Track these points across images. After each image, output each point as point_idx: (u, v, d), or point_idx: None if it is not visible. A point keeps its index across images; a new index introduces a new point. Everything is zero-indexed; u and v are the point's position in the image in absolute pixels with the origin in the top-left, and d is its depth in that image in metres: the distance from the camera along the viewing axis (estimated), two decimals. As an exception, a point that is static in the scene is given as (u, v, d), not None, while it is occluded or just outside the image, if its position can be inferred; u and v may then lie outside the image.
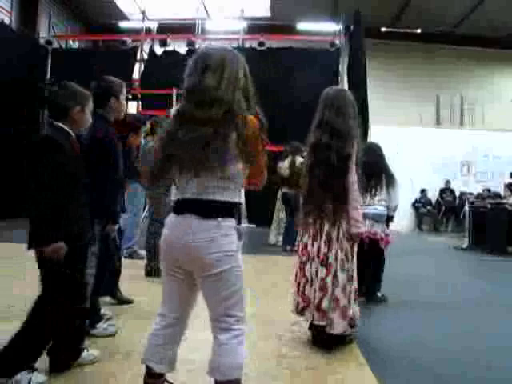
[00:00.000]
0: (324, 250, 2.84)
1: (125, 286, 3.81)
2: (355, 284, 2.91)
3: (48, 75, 12.21)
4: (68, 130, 2.30)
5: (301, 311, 2.97)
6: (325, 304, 2.77)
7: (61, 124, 2.28)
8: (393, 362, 2.71)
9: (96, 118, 2.78)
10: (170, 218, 1.81)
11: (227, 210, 1.74)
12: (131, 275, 4.46)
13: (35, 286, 4.06)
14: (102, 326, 2.95)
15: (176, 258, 1.77)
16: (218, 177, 1.69)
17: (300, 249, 3.02)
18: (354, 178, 2.83)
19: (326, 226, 2.87)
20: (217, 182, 1.71)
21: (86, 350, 2.41)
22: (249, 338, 2.91)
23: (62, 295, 2.19)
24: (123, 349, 2.70)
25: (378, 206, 3.98)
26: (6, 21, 11.83)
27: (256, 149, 1.74)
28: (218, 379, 1.74)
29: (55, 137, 2.21)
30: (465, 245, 8.72)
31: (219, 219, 1.71)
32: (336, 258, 2.82)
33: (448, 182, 13.44)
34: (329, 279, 2.80)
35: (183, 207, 1.76)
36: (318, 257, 2.85)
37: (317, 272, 2.84)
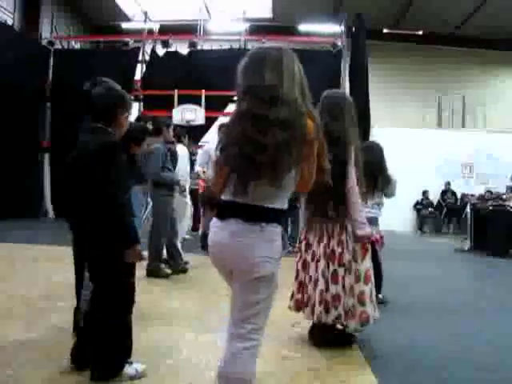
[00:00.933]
0: (339, 250, 2.87)
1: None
2: (370, 285, 2.91)
3: (50, 76, 12.25)
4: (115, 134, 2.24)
5: (298, 308, 3.02)
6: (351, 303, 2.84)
7: (109, 129, 2.21)
8: (394, 363, 2.71)
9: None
10: (215, 223, 1.77)
11: (273, 215, 1.70)
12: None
13: (34, 286, 4.08)
14: None
15: (221, 261, 1.78)
16: (274, 182, 1.64)
17: (303, 248, 3.02)
18: (353, 181, 2.84)
19: (336, 229, 2.90)
20: (270, 187, 1.65)
21: (128, 365, 2.29)
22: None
23: (118, 299, 2.22)
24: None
25: (371, 209, 3.96)
26: (9, 22, 11.87)
27: (313, 152, 1.70)
28: None
29: (118, 143, 2.17)
30: (466, 247, 8.71)
31: (263, 224, 1.67)
32: (347, 259, 2.87)
33: (448, 183, 13.41)
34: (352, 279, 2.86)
35: (228, 211, 1.72)
36: (331, 258, 2.87)
37: (335, 271, 2.86)
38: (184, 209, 5.61)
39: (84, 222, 2.16)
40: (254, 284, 1.68)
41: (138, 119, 9.87)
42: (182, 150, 5.57)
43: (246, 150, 1.63)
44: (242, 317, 1.70)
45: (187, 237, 7.27)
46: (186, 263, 5.24)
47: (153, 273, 4.76)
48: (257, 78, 1.70)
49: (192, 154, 7.55)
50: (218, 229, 1.75)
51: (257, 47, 1.87)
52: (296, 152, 1.62)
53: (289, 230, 7.38)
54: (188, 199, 5.77)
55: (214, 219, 1.78)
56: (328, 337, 2.93)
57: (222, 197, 1.76)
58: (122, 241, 2.09)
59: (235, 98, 1.81)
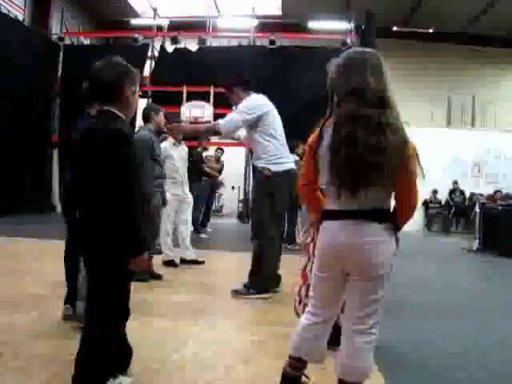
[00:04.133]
0: None
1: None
2: None
3: (59, 71, 12.31)
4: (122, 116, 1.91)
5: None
6: None
7: (113, 109, 1.88)
8: (401, 362, 2.69)
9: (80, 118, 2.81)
10: (330, 223, 1.81)
11: (388, 215, 1.77)
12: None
13: (42, 281, 4.10)
14: None
15: (339, 261, 1.79)
16: (387, 184, 1.71)
17: (311, 250, 2.98)
18: None
19: None
20: (380, 191, 1.72)
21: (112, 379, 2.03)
22: (257, 338, 2.92)
23: (113, 312, 1.92)
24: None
25: None
26: (20, 17, 11.94)
27: (413, 154, 1.73)
28: (349, 381, 1.79)
29: (126, 130, 1.86)
30: (475, 246, 8.65)
31: (384, 224, 1.74)
32: None
33: (456, 182, 13.30)
34: None
35: (345, 214, 1.76)
36: None
37: None
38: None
39: (91, 216, 1.85)
40: (379, 281, 1.76)
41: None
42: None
43: (356, 151, 1.66)
44: (364, 313, 1.78)
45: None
46: (157, 276, 4.60)
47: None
48: (361, 81, 1.73)
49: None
50: (336, 229, 1.78)
51: (351, 50, 1.90)
52: (405, 154, 1.67)
53: (285, 228, 7.39)
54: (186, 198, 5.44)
55: (328, 222, 1.82)
56: (336, 336, 2.91)
57: (330, 207, 1.81)
58: (131, 247, 1.83)
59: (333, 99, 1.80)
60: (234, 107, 4.14)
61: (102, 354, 1.89)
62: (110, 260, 1.84)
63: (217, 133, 3.91)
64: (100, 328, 1.88)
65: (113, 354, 1.96)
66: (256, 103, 3.94)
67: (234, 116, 3.85)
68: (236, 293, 3.91)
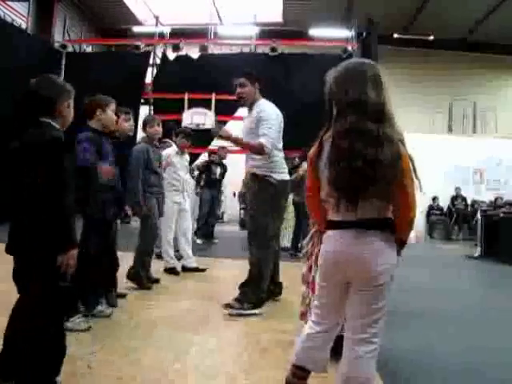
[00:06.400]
0: None
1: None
2: None
3: (62, 78, 12.38)
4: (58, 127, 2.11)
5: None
6: None
7: (47, 120, 2.09)
8: (403, 371, 2.68)
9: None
10: (331, 233, 1.82)
11: (389, 224, 1.77)
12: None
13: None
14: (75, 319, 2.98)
15: (341, 270, 1.79)
16: (385, 197, 1.71)
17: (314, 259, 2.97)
18: None
19: None
20: (380, 201, 1.72)
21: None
22: (259, 345, 2.91)
23: (51, 307, 2.07)
24: (127, 346, 2.71)
25: None
26: (23, 26, 12.02)
27: (409, 167, 1.74)
28: None
29: (62, 138, 2.04)
30: (477, 253, 8.63)
31: (384, 234, 1.74)
32: None
33: (458, 189, 13.29)
34: None
35: (344, 224, 1.77)
36: None
37: None
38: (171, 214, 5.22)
39: (21, 218, 2.03)
40: (379, 290, 1.75)
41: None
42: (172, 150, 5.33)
43: (355, 165, 1.66)
44: (365, 323, 1.77)
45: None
46: (155, 280, 4.61)
47: (133, 279, 4.37)
48: (362, 93, 1.72)
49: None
50: (338, 239, 1.78)
51: (350, 61, 1.90)
52: (399, 167, 1.68)
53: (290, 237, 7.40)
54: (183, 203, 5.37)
55: (330, 231, 1.82)
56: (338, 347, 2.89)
57: (330, 217, 1.82)
58: (61, 242, 1.97)
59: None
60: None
61: (45, 356, 1.97)
62: (40, 258, 1.98)
63: (260, 153, 3.70)
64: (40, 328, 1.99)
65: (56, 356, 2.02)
66: (276, 112, 3.88)
67: (271, 132, 3.70)
68: (228, 306, 3.67)
